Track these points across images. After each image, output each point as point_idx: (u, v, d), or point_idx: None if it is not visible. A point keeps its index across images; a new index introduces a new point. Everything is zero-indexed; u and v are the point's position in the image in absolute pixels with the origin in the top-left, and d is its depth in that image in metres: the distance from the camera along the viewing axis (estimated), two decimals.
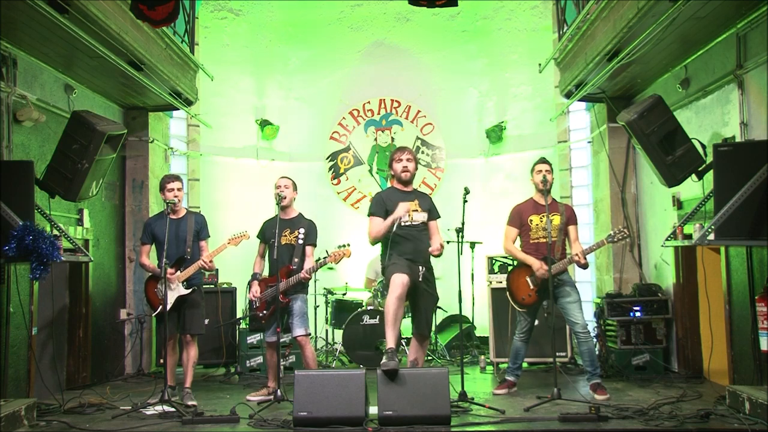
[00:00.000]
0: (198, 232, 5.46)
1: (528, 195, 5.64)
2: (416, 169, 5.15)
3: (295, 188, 5.60)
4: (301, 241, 5.42)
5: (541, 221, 5.33)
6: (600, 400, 4.94)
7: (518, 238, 5.48)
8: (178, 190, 5.35)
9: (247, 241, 5.52)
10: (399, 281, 4.71)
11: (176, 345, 5.45)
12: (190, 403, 5.10)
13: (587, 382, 5.33)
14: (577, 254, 5.21)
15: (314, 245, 5.53)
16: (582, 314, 5.29)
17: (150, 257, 5.51)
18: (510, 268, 5.96)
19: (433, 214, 5.17)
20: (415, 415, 4.26)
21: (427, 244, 5.02)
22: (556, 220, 5.37)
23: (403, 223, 4.92)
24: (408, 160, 5.09)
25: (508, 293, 5.52)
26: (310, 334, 5.48)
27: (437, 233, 5.13)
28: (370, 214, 5.10)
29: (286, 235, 5.43)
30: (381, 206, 5.04)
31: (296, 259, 5.38)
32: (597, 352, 6.70)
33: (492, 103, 9.10)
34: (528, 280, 5.33)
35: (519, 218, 5.45)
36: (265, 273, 5.59)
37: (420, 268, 4.92)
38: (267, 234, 5.52)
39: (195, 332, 5.40)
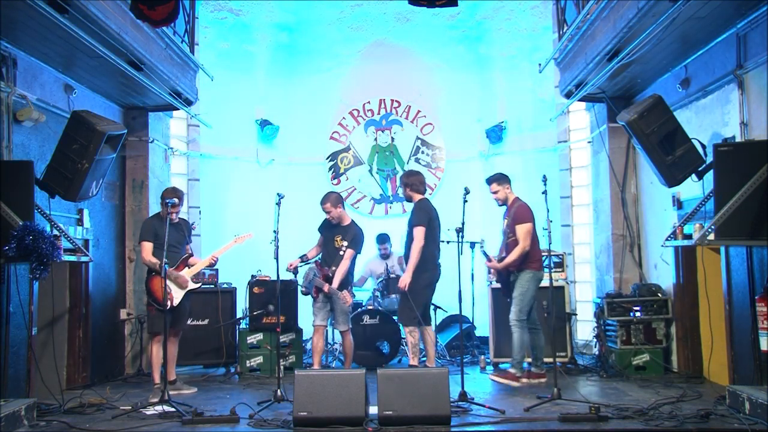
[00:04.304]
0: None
1: (530, 197, 5.82)
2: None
3: (336, 204, 6.10)
4: (342, 253, 6.01)
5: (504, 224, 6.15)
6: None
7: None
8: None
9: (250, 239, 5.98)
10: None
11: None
12: (186, 391, 5.65)
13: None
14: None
15: (354, 250, 6.07)
16: (516, 309, 5.83)
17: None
18: None
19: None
20: (415, 415, 4.27)
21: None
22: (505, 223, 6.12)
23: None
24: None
25: None
26: (350, 328, 6.25)
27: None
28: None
29: (337, 240, 6.09)
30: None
31: (334, 267, 5.99)
32: (597, 352, 6.72)
33: (492, 103, 9.09)
34: None
35: None
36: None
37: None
38: (323, 231, 6.25)
39: (184, 327, 5.93)
